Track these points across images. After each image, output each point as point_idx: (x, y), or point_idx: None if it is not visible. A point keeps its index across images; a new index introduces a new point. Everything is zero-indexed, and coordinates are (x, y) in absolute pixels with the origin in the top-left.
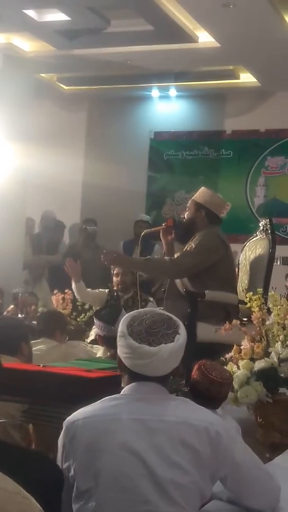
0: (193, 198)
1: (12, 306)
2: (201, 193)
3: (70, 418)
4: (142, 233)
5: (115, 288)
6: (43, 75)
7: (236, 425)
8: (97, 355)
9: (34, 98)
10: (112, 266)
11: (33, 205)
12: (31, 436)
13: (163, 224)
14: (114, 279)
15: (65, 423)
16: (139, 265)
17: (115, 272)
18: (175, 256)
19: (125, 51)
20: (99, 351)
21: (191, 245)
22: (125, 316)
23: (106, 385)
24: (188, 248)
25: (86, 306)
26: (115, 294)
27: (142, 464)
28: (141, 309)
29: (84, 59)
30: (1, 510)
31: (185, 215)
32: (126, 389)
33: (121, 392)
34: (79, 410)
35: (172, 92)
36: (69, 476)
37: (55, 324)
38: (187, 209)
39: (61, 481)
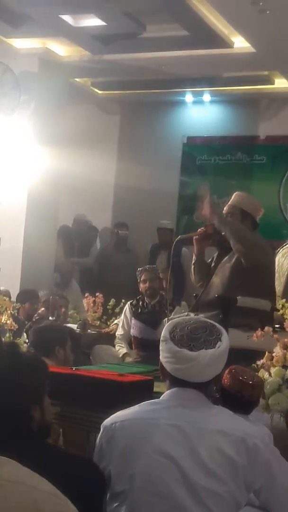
0: (235, 204)
1: (43, 309)
2: (243, 199)
3: (108, 420)
4: (178, 238)
5: (142, 293)
6: (77, 79)
7: (269, 433)
8: (120, 356)
9: (68, 102)
10: (140, 274)
11: (66, 208)
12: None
13: (201, 230)
14: (142, 285)
15: (103, 425)
16: (226, 224)
17: (142, 278)
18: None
19: (159, 56)
20: (123, 350)
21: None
22: (169, 322)
23: (138, 390)
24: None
25: (117, 310)
26: (142, 301)
27: (178, 469)
28: (186, 317)
29: (118, 64)
30: (38, 510)
31: None
32: (165, 395)
33: (161, 397)
34: (117, 413)
35: (206, 97)
36: (105, 478)
37: (52, 339)
38: (226, 215)
39: (104, 485)
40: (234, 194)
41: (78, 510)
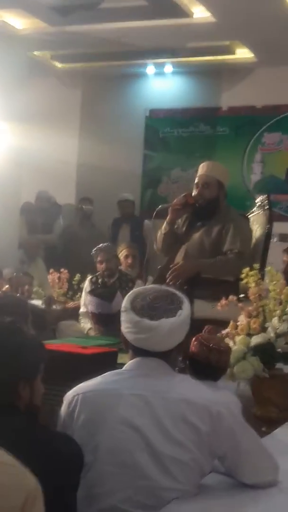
0: (211, 174)
1: (7, 286)
2: (219, 169)
3: (71, 392)
4: (158, 208)
5: (100, 274)
6: (36, 53)
7: (237, 400)
8: (85, 332)
9: (28, 76)
10: (95, 255)
11: (28, 185)
12: None
13: (181, 199)
14: (99, 265)
15: (65, 397)
16: (210, 269)
17: (99, 259)
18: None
19: (119, 27)
20: (87, 326)
21: (229, 239)
22: (131, 292)
23: (102, 362)
24: (232, 245)
25: (82, 285)
26: (100, 280)
27: (142, 439)
28: (147, 286)
29: (78, 35)
30: None
31: (204, 193)
32: (128, 365)
33: (124, 368)
34: (80, 385)
35: (168, 68)
36: None
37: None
38: (203, 186)
39: (82, 460)
40: (206, 163)
41: (57, 485)
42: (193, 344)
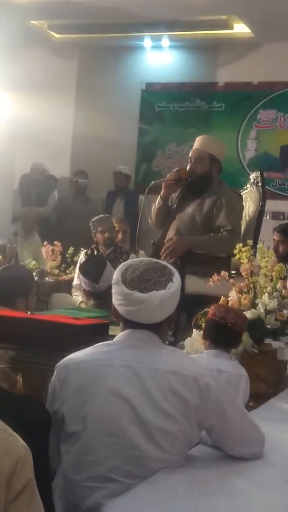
0: (203, 148)
1: (0, 257)
2: (211, 143)
3: (62, 361)
4: (151, 184)
5: (99, 244)
6: (33, 22)
7: (246, 375)
8: (77, 304)
9: (24, 46)
10: (96, 224)
11: (23, 156)
12: (19, 383)
13: (174, 174)
14: (99, 235)
15: (57, 367)
16: (203, 245)
17: (99, 229)
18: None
19: None
20: (79, 299)
21: (222, 215)
22: (121, 264)
23: (94, 333)
24: (223, 221)
25: (76, 258)
26: (96, 250)
27: (131, 409)
28: (138, 259)
29: (75, 6)
30: None
31: (197, 168)
32: (119, 336)
33: (114, 339)
34: (71, 355)
35: (165, 42)
36: (58, 419)
37: (14, 290)
38: (196, 161)
39: (48, 422)
40: (200, 137)
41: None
42: (212, 308)
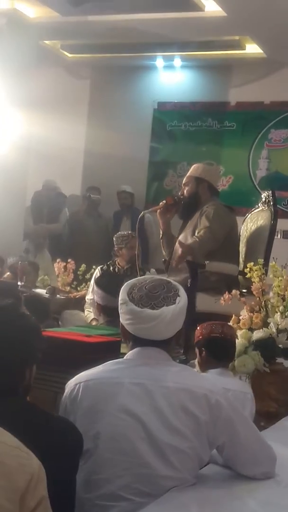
0: (189, 175)
1: (8, 274)
2: (197, 169)
3: (72, 380)
4: (140, 214)
5: (123, 259)
6: (47, 42)
7: (251, 393)
8: (89, 321)
9: (37, 65)
10: (126, 241)
11: (35, 173)
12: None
13: (162, 203)
14: (126, 251)
15: (67, 385)
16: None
17: (129, 245)
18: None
19: (130, 19)
20: (91, 316)
21: (203, 219)
22: (125, 284)
23: (105, 350)
24: (203, 223)
25: (87, 276)
26: (114, 267)
27: (142, 427)
28: (140, 277)
29: (88, 26)
30: (0, 463)
31: (185, 192)
32: (129, 354)
33: (125, 357)
34: (82, 373)
35: (177, 62)
36: None
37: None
38: (184, 186)
39: (81, 445)
40: (193, 166)
41: (56, 469)
42: (203, 328)
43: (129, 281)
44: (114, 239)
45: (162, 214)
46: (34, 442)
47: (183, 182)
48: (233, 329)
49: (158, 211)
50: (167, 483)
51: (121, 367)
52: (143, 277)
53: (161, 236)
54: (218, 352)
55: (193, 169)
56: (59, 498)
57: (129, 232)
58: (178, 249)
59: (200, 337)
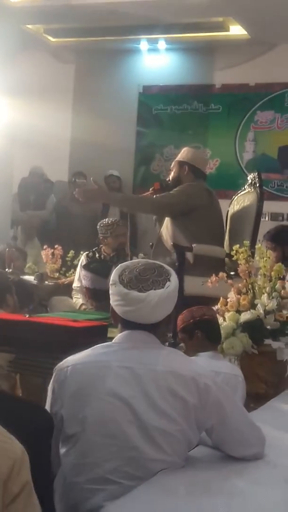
0: (175, 159)
1: None
2: (182, 152)
3: (60, 364)
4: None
5: (109, 247)
6: (29, 26)
7: (242, 375)
8: (77, 307)
9: (20, 49)
10: (112, 229)
11: (21, 160)
12: (18, 385)
13: (151, 190)
14: (114, 240)
15: (55, 369)
16: (120, 201)
17: (117, 233)
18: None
19: (113, 2)
20: (79, 302)
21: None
22: (118, 266)
23: (93, 335)
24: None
25: (75, 262)
26: (99, 253)
27: (130, 410)
28: (134, 260)
29: (71, 9)
30: None
31: (170, 177)
32: (117, 338)
33: (113, 340)
34: (70, 357)
35: (161, 44)
36: (57, 421)
37: (2, 288)
38: (170, 171)
39: (51, 428)
40: (182, 150)
41: (29, 452)
42: (192, 312)
43: (123, 263)
44: (98, 227)
45: None
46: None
47: (171, 166)
48: (210, 309)
49: (145, 196)
50: (156, 466)
51: (109, 350)
52: (137, 260)
53: (154, 217)
54: (214, 333)
55: (180, 153)
56: (36, 481)
57: (114, 219)
58: (162, 234)
59: (191, 320)
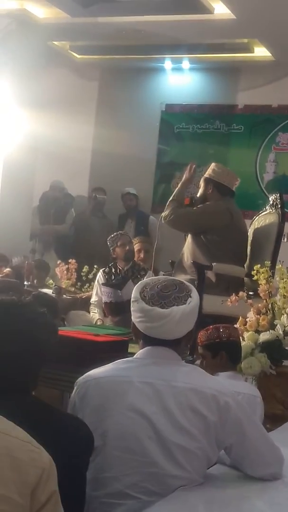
0: (203, 177)
1: (9, 269)
2: (209, 169)
3: (82, 377)
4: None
5: (119, 258)
6: (55, 42)
7: (260, 396)
8: (94, 322)
9: (46, 65)
10: (116, 239)
11: (42, 173)
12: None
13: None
14: (119, 249)
15: (77, 382)
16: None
17: (120, 243)
18: None
19: (139, 21)
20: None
21: None
22: (139, 283)
23: (113, 349)
24: None
25: (90, 276)
26: (115, 268)
27: (150, 426)
28: (154, 277)
29: (97, 27)
30: (12, 457)
31: (198, 194)
32: (139, 353)
33: (135, 356)
34: (91, 371)
35: (185, 64)
36: None
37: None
38: (199, 188)
39: (92, 442)
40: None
41: (67, 466)
42: (218, 331)
43: (143, 280)
44: (107, 243)
45: None
46: (46, 439)
47: (199, 182)
48: (232, 328)
49: None
50: (174, 483)
51: (131, 365)
52: (157, 277)
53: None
54: (237, 355)
55: (207, 171)
56: (69, 495)
57: (119, 231)
58: (184, 252)
59: (218, 339)
